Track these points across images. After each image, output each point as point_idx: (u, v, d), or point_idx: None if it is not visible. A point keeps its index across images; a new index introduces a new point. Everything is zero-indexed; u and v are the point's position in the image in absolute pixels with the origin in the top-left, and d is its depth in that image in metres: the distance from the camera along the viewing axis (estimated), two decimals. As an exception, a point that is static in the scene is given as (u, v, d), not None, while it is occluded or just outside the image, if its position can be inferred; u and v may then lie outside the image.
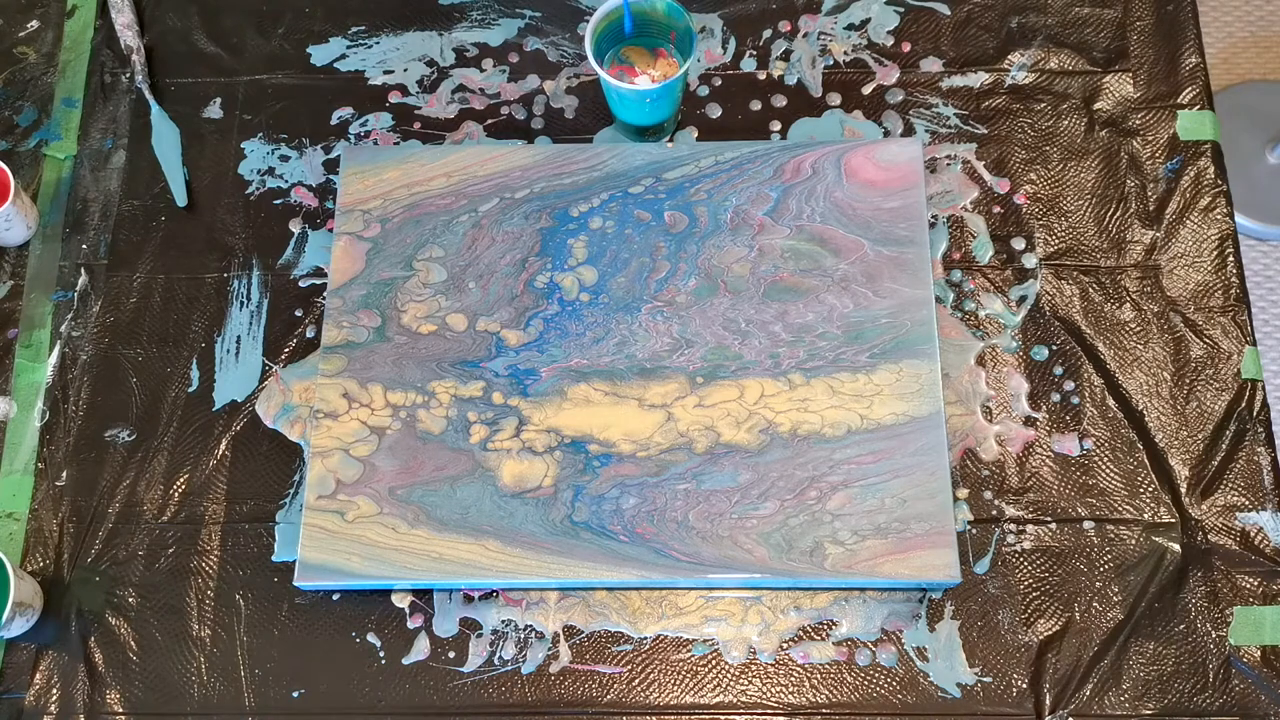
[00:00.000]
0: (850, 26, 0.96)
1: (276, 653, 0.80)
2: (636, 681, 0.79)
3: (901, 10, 0.97)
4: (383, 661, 0.80)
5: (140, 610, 0.81)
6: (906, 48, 0.96)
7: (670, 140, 0.93)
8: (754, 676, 0.79)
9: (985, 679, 0.78)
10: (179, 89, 0.96)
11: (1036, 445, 0.84)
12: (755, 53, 0.96)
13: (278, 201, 0.92)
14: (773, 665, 0.79)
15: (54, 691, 0.80)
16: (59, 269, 0.91)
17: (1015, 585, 0.80)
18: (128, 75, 0.97)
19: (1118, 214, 0.90)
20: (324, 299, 0.87)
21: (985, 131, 0.93)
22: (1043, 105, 0.93)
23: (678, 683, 0.79)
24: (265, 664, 0.80)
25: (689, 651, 0.79)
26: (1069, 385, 0.85)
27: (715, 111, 0.94)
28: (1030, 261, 0.89)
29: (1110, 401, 0.85)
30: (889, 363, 0.83)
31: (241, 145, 0.94)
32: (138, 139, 0.95)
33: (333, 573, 0.79)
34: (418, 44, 0.97)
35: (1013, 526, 0.82)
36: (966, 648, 0.79)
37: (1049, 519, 0.82)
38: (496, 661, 0.79)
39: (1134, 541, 0.81)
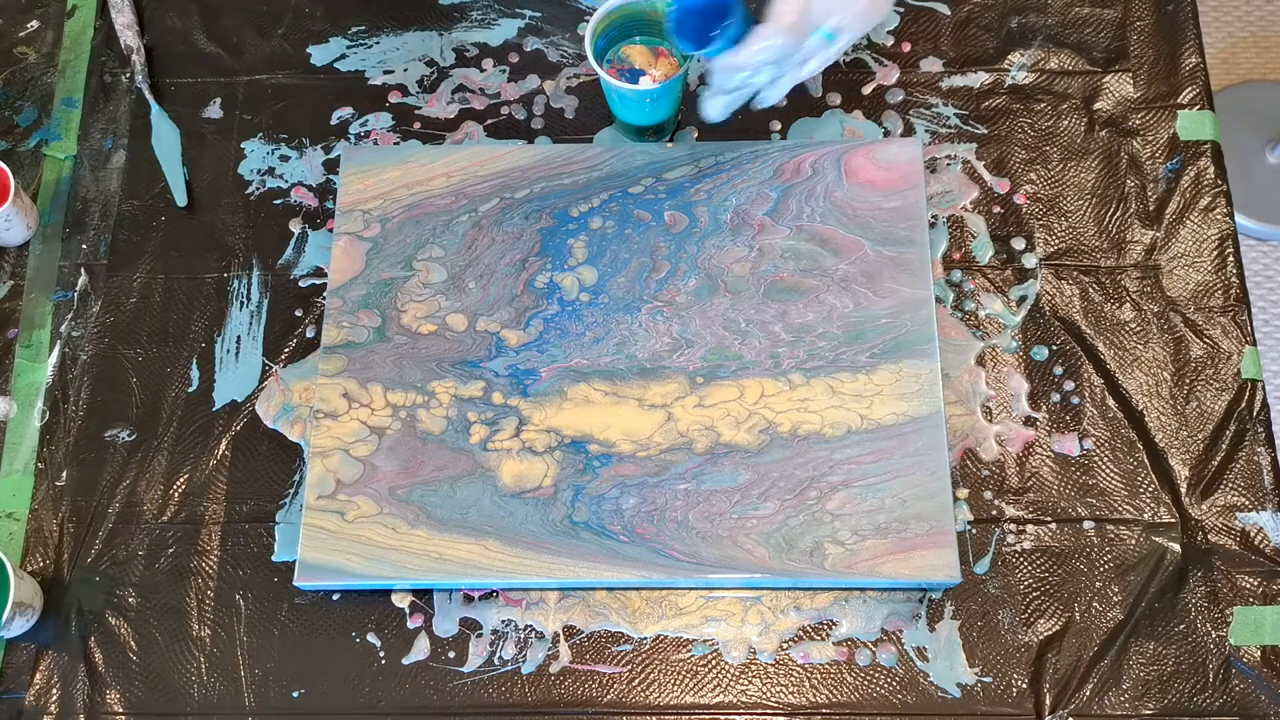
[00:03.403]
0: (850, 26, 0.96)
1: (276, 653, 0.80)
2: (636, 681, 0.79)
3: (901, 10, 0.97)
4: (383, 661, 0.80)
5: (140, 610, 0.81)
6: (906, 48, 0.96)
7: (670, 140, 0.93)
8: (754, 676, 0.79)
9: (985, 679, 0.78)
10: (179, 89, 0.96)
11: (1036, 445, 0.84)
12: (755, 53, 0.96)
13: (278, 201, 0.92)
14: (773, 665, 0.79)
15: (54, 691, 0.80)
16: (59, 269, 0.91)
17: (1015, 585, 0.81)
18: (128, 75, 0.97)
19: (1118, 214, 0.90)
20: (324, 299, 0.87)
21: (985, 131, 0.93)
22: (1043, 105, 0.93)
23: (678, 683, 0.79)
24: (265, 664, 0.80)
25: (689, 651, 0.80)
26: (1069, 385, 0.85)
27: (715, 111, 0.94)
28: (1030, 261, 0.89)
29: (1110, 401, 0.85)
30: (889, 363, 0.83)
31: (241, 145, 0.94)
32: (138, 139, 0.95)
33: (333, 573, 0.79)
34: (418, 44, 0.97)
35: (1013, 526, 0.82)
36: (966, 648, 0.79)
37: (1049, 519, 0.82)
38: (496, 661, 0.79)
39: (1134, 541, 0.82)
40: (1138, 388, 0.85)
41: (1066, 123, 0.93)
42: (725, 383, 0.83)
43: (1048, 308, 0.88)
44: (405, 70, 0.96)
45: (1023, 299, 0.88)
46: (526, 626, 0.80)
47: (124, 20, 0.97)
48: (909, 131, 0.93)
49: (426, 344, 0.85)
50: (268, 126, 0.95)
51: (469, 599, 0.81)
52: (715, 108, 0.80)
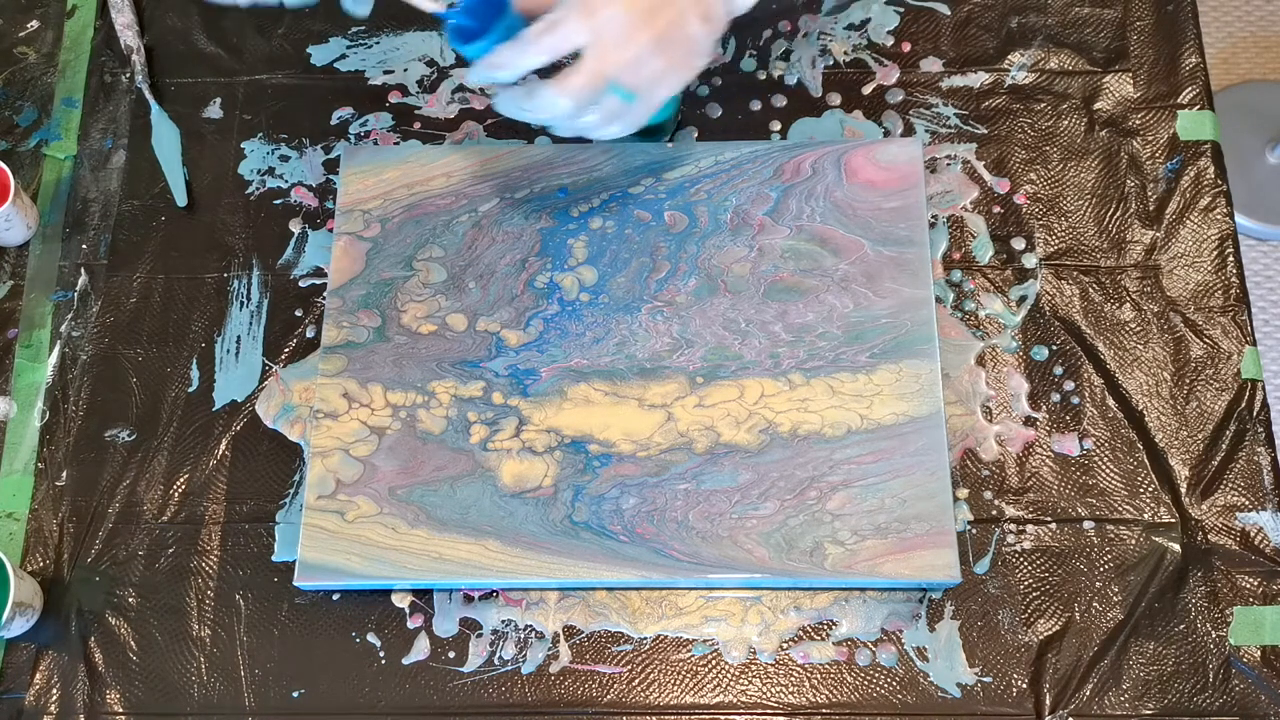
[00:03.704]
0: (850, 26, 0.96)
1: (276, 653, 0.80)
2: (636, 681, 0.79)
3: (901, 10, 0.97)
4: (383, 661, 0.80)
5: (140, 610, 0.81)
6: (906, 48, 0.96)
7: (670, 140, 0.93)
8: (754, 676, 0.79)
9: (985, 679, 0.78)
10: (179, 89, 0.96)
11: (1036, 445, 0.84)
12: (755, 53, 0.96)
13: (278, 201, 0.92)
14: (773, 665, 0.79)
15: (54, 691, 0.80)
16: (59, 269, 0.91)
17: (1015, 585, 0.81)
18: (128, 75, 0.97)
19: (1118, 214, 0.90)
20: (324, 299, 0.87)
21: (985, 131, 0.93)
22: (1043, 105, 0.93)
23: (678, 683, 0.79)
24: (265, 664, 0.80)
25: (689, 651, 0.80)
26: (1069, 385, 0.85)
27: (715, 111, 0.94)
28: (1030, 261, 0.89)
29: (1110, 401, 0.85)
30: (889, 363, 0.83)
31: (241, 145, 0.94)
32: (138, 139, 0.95)
33: (333, 573, 0.79)
34: (418, 44, 0.97)
35: (1013, 526, 0.82)
36: (966, 648, 0.79)
37: (1049, 519, 0.82)
38: (496, 661, 0.79)
39: (1134, 541, 0.82)
40: (1138, 388, 0.85)
41: (1066, 123, 0.93)
42: (725, 383, 0.83)
43: (1048, 308, 0.88)
44: (405, 70, 0.96)
45: (1023, 299, 0.88)
46: (526, 626, 0.80)
47: (124, 20, 0.97)
48: (909, 131, 0.93)
49: (426, 344, 0.85)
50: (268, 126, 0.95)
51: (469, 599, 0.81)
52: (506, 101, 0.74)
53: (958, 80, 0.94)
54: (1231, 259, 0.89)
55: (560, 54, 0.70)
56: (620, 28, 0.67)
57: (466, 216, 0.88)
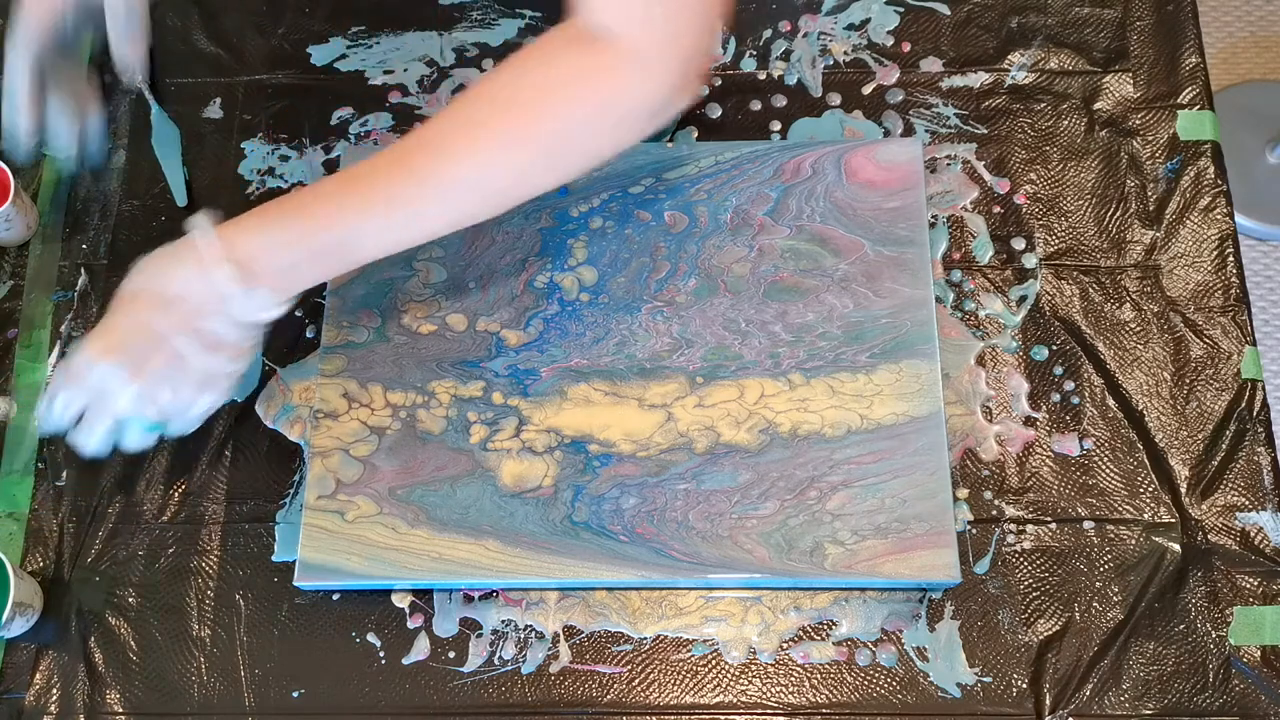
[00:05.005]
0: (850, 26, 0.96)
1: (276, 653, 0.80)
2: (636, 681, 0.79)
3: (901, 10, 0.97)
4: (383, 661, 0.80)
5: (140, 610, 0.81)
6: (906, 48, 0.96)
7: (670, 140, 0.93)
8: (754, 676, 0.79)
9: (985, 679, 0.78)
10: (179, 89, 0.96)
11: (1036, 445, 0.84)
12: (755, 53, 0.96)
13: (278, 201, 0.92)
14: (773, 665, 0.79)
15: (54, 691, 0.80)
16: (59, 269, 0.91)
17: (1015, 585, 0.80)
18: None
19: (1118, 214, 0.90)
20: (324, 299, 0.87)
21: (985, 131, 0.93)
22: (1043, 105, 0.93)
23: (678, 683, 0.79)
24: (265, 664, 0.80)
25: (689, 651, 0.79)
26: (1069, 385, 0.85)
27: (715, 111, 0.94)
28: (1030, 261, 0.89)
29: (1110, 401, 0.85)
30: (889, 363, 0.83)
31: (241, 145, 0.94)
32: (138, 139, 0.95)
33: (333, 573, 0.79)
34: (418, 44, 0.97)
35: (1013, 526, 0.82)
36: (966, 648, 0.79)
37: (1049, 519, 0.82)
38: (496, 661, 0.79)
39: (1134, 541, 0.82)
40: (1138, 388, 0.85)
41: (1066, 123, 0.93)
42: (725, 383, 0.83)
43: (1048, 308, 0.88)
44: (405, 70, 0.96)
45: (1023, 299, 0.88)
46: (526, 626, 0.80)
47: (124, 20, 0.97)
48: (909, 131, 0.93)
49: (426, 344, 0.85)
50: (268, 126, 0.95)
51: (469, 599, 0.81)
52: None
53: (958, 80, 0.94)
54: (1231, 259, 0.89)
55: (69, 421, 0.73)
56: (112, 382, 0.70)
57: (466, 216, 0.88)
